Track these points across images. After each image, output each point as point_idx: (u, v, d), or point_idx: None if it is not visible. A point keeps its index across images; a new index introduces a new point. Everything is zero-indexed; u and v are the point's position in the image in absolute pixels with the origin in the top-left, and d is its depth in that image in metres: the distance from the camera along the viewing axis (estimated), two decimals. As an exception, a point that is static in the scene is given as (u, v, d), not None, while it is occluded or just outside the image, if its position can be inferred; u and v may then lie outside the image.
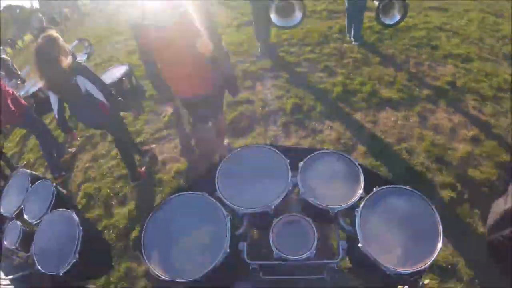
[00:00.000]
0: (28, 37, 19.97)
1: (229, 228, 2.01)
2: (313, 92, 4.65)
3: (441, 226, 1.92)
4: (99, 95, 3.10)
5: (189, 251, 1.99)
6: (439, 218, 1.95)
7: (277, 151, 2.40)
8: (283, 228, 2.08)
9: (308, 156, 2.36)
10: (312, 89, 4.71)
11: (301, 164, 2.31)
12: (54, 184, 2.74)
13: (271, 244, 2.00)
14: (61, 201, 2.70)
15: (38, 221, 2.52)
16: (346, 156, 2.37)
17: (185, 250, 2.00)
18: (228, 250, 1.93)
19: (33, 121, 4.32)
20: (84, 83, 3.00)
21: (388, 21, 4.65)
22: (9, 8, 24.42)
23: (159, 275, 1.90)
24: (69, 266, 2.11)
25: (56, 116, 3.22)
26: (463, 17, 6.23)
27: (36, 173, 3.12)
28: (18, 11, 24.32)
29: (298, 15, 4.45)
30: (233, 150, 2.49)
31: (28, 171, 3.02)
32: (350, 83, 4.69)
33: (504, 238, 2.35)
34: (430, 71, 4.75)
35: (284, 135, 4.02)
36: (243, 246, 2.12)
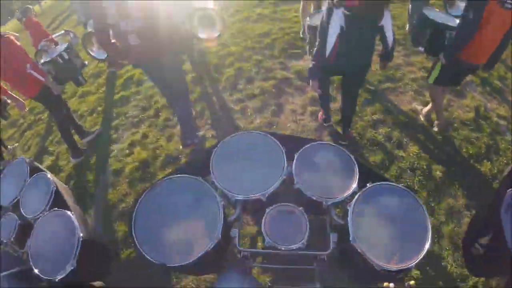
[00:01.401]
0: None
1: (222, 214, 2.01)
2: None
3: (430, 227, 1.94)
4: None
5: (181, 235, 1.99)
6: (429, 219, 1.98)
7: (274, 139, 2.39)
8: (276, 217, 2.08)
9: (305, 147, 2.36)
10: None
11: (297, 154, 2.31)
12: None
13: (263, 232, 2.00)
14: (61, 198, 2.57)
15: (35, 217, 2.42)
16: (343, 149, 2.37)
17: (177, 234, 1.99)
18: (220, 236, 1.93)
19: (49, 95, 3.93)
20: None
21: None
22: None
23: (151, 259, 1.90)
24: (66, 273, 2.03)
25: None
26: None
27: (36, 163, 3.01)
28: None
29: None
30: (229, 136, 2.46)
31: (27, 159, 2.90)
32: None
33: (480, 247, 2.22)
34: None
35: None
36: (235, 233, 2.12)
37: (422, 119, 3.91)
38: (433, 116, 3.82)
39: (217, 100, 4.69)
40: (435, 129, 3.74)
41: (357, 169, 2.24)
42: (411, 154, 3.50)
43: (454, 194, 3.14)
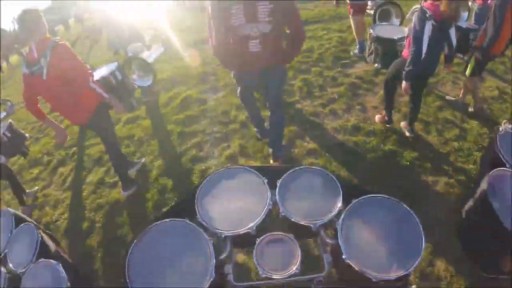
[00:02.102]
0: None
1: (213, 253, 2.00)
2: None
3: (422, 229, 1.96)
4: None
5: (175, 279, 1.95)
6: (419, 222, 2.00)
7: (254, 171, 2.43)
8: (266, 247, 2.08)
9: (286, 174, 2.39)
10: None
11: (279, 182, 2.34)
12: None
13: (256, 264, 1.99)
14: (47, 248, 2.55)
15: (23, 270, 2.35)
16: (324, 171, 2.41)
17: (171, 279, 1.96)
18: (214, 275, 1.91)
19: (106, 116, 3.44)
20: None
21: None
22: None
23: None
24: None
25: None
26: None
27: (20, 214, 2.95)
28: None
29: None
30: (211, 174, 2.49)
31: (12, 210, 2.82)
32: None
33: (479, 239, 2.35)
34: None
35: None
36: (229, 268, 2.10)
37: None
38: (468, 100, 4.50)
39: (302, 107, 5.05)
40: (470, 109, 4.36)
41: (340, 188, 2.27)
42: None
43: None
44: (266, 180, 2.35)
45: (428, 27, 3.14)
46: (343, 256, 1.90)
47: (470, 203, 2.44)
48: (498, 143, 2.50)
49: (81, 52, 11.65)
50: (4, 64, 16.11)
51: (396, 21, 5.36)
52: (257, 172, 2.41)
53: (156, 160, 4.45)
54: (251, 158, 4.08)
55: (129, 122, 5.47)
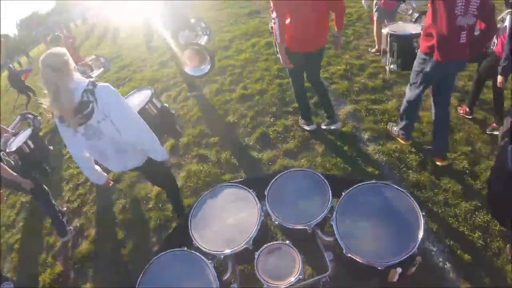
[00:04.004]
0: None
1: (216, 276, 1.98)
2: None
3: (417, 206, 1.97)
4: None
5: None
6: (413, 200, 2.01)
7: (240, 185, 2.43)
8: (266, 258, 2.07)
9: (272, 182, 2.40)
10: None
11: (267, 191, 2.34)
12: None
13: (259, 278, 1.98)
14: None
15: None
16: (309, 171, 2.42)
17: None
18: (221, 298, 1.91)
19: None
20: None
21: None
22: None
23: None
24: None
25: None
26: None
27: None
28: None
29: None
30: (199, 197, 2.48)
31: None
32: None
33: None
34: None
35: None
36: (235, 287, 2.09)
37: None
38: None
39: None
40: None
41: (328, 184, 2.27)
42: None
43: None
44: (255, 193, 2.35)
45: None
46: (344, 251, 1.90)
47: (494, 175, 2.51)
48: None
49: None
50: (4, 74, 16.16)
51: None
52: (243, 186, 2.41)
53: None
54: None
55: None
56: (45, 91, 2.22)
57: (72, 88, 2.22)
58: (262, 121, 4.80)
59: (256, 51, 7.35)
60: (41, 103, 2.33)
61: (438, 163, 3.46)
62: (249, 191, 2.37)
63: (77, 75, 2.34)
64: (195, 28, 5.21)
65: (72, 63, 2.31)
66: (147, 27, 9.02)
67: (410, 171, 3.41)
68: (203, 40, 4.88)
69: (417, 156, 3.57)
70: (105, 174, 2.83)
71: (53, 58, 2.20)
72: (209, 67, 4.41)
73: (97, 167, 2.73)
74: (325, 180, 2.31)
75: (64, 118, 2.29)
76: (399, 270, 1.82)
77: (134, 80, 8.08)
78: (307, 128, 4.34)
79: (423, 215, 1.92)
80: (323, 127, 4.27)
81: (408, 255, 1.81)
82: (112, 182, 2.94)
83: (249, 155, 4.22)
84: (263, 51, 7.25)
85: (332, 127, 4.20)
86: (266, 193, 2.33)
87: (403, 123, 3.66)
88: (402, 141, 3.79)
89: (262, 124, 4.72)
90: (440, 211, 2.93)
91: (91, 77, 3.53)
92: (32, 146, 4.06)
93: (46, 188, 3.93)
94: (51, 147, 4.68)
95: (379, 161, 3.63)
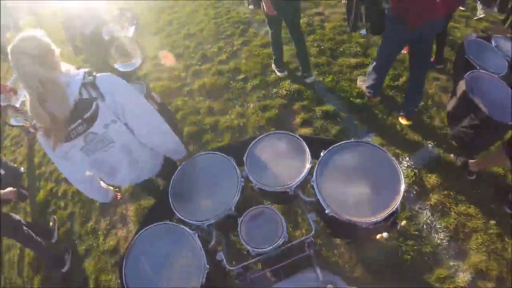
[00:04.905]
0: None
1: (200, 245, 1.97)
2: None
3: (397, 164, 1.98)
4: None
5: (173, 281, 1.92)
6: (392, 157, 2.02)
7: (218, 153, 2.39)
8: (250, 224, 2.06)
9: (249, 146, 2.36)
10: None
11: (245, 157, 2.31)
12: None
13: (243, 243, 1.98)
14: None
15: None
16: (285, 133, 2.38)
17: (170, 282, 1.92)
18: (208, 266, 1.90)
19: None
20: None
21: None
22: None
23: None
24: None
25: None
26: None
27: None
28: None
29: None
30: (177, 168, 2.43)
31: None
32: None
33: (465, 128, 2.57)
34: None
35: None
36: (221, 255, 2.08)
37: None
38: None
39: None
40: None
41: (306, 146, 2.25)
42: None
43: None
44: (233, 159, 2.31)
45: None
46: (326, 211, 1.90)
47: (452, 103, 2.69)
48: (466, 49, 2.76)
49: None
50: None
51: None
52: (221, 154, 2.36)
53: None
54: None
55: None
56: (20, 97, 1.76)
57: (63, 83, 1.66)
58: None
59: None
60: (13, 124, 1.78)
61: (401, 120, 3.50)
62: (226, 158, 2.33)
63: (65, 66, 1.77)
64: (120, 20, 4.90)
65: (57, 50, 1.75)
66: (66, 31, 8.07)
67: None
68: (129, 32, 4.77)
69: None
70: (111, 188, 2.40)
71: (32, 43, 1.63)
72: (140, 61, 4.24)
73: (101, 182, 2.31)
74: (303, 141, 2.28)
75: (52, 130, 1.69)
76: (385, 235, 1.84)
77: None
78: (279, 74, 4.63)
79: (402, 171, 1.93)
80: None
81: (390, 213, 1.83)
82: (119, 195, 2.51)
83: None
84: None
85: (308, 81, 4.36)
86: (244, 159, 2.29)
87: (371, 80, 3.67)
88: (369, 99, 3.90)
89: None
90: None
91: None
92: (2, 173, 3.77)
93: (26, 230, 3.36)
94: (22, 169, 4.42)
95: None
